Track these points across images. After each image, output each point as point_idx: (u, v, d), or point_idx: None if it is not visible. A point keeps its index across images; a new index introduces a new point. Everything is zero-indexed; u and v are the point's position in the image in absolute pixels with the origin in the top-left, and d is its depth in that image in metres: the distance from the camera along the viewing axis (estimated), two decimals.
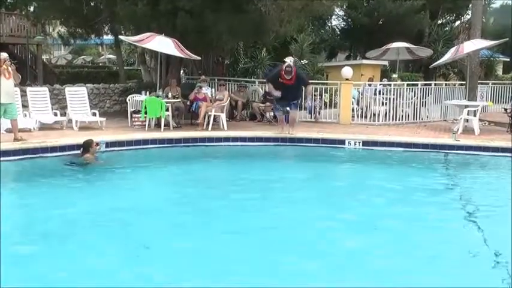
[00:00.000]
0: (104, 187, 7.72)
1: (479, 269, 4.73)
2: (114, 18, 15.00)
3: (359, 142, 11.05)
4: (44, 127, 11.77)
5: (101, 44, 31.11)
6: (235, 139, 11.26)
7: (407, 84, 15.50)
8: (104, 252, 4.93)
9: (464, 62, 15.77)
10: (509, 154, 10.15)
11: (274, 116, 13.45)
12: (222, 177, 8.78)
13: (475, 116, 12.72)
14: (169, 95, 12.98)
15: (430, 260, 4.90)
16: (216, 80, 16.03)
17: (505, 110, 13.83)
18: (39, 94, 12.67)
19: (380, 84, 15.91)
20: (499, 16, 35.65)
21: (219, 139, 11.20)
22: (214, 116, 12.42)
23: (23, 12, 20.42)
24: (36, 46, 22.17)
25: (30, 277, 4.36)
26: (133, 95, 13.93)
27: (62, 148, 9.43)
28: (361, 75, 20.05)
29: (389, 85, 15.05)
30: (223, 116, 12.64)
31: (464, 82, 15.46)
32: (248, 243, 5.32)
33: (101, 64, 36.64)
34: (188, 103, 13.43)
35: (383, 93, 14.92)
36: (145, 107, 12.16)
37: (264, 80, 15.33)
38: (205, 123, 12.43)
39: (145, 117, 12.21)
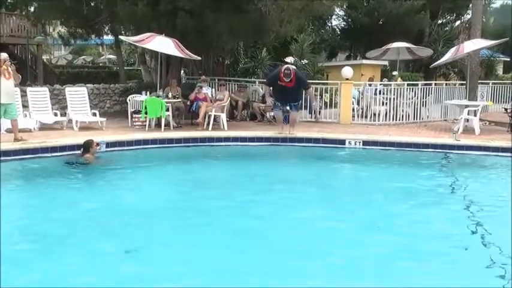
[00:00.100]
0: (104, 187, 7.72)
1: (478, 268, 4.70)
2: (114, 18, 15.01)
3: (359, 142, 11.04)
4: (44, 127, 11.78)
5: (101, 44, 31.10)
6: (235, 139, 11.25)
7: (408, 84, 15.48)
8: (104, 252, 4.92)
9: (465, 62, 15.77)
10: (509, 154, 10.14)
11: (274, 116, 13.44)
12: (222, 177, 8.77)
13: (475, 115, 12.72)
14: (170, 95, 12.99)
15: (431, 260, 4.88)
16: (217, 80, 16.03)
17: (506, 109, 13.81)
18: (40, 94, 12.68)
19: (380, 84, 15.91)
20: (499, 16, 35.65)
21: (219, 139, 11.19)
22: (215, 116, 12.42)
23: (23, 13, 20.45)
24: (36, 46, 22.19)
25: (30, 277, 4.36)
26: (134, 95, 13.94)
27: (62, 148, 9.43)
28: (362, 75, 20.06)
29: (390, 85, 15.03)
30: (223, 116, 12.64)
31: (464, 82, 15.46)
32: (248, 243, 5.30)
33: (101, 64, 36.64)
34: (188, 103, 13.43)
35: (383, 93, 14.91)
36: (146, 107, 12.16)
37: (264, 81, 15.35)
38: (205, 123, 12.43)
39: (145, 117, 12.22)
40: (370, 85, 16.03)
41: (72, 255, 4.85)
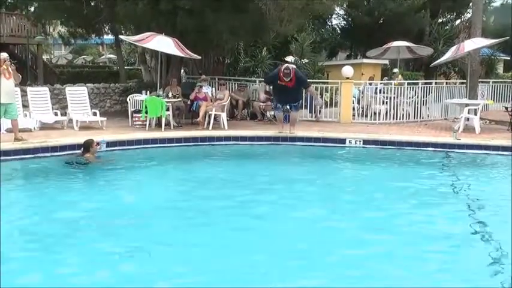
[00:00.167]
0: (104, 187, 7.71)
1: (478, 268, 4.69)
2: (115, 17, 15.01)
3: (360, 141, 11.03)
4: (44, 127, 11.78)
5: (101, 43, 31.22)
6: (235, 138, 11.25)
7: (408, 83, 15.47)
8: (104, 251, 4.92)
9: (465, 61, 15.75)
10: (510, 153, 10.14)
11: (275, 116, 13.44)
12: (222, 176, 8.74)
13: (475, 114, 12.71)
14: (170, 94, 12.99)
15: (432, 258, 4.88)
16: (217, 79, 16.01)
17: (506, 108, 13.81)
18: (40, 94, 12.68)
19: (381, 83, 15.89)
20: (500, 15, 35.61)
21: (219, 138, 11.20)
22: (215, 115, 12.42)
23: (24, 13, 20.48)
24: (36, 46, 22.20)
25: (30, 276, 4.36)
26: (134, 94, 13.94)
27: (63, 148, 9.43)
28: (362, 74, 20.06)
29: (390, 84, 15.02)
30: (223, 115, 12.63)
31: (465, 81, 15.45)
32: (248, 242, 5.29)
33: (101, 64, 36.66)
34: (189, 102, 13.43)
35: (383, 92, 14.90)
36: (146, 107, 12.16)
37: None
38: (205, 123, 12.43)
39: (145, 116, 12.22)
40: (370, 84, 16.03)
41: (72, 255, 4.84)
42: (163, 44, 12.39)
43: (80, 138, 9.58)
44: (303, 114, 14.44)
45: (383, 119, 14.55)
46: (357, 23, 25.59)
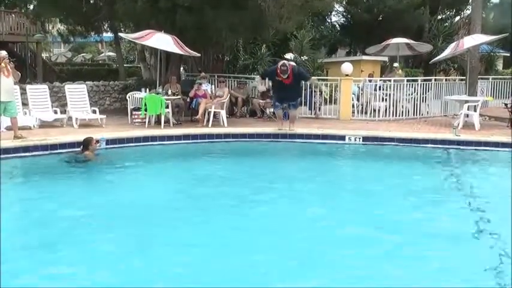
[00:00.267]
0: (104, 184, 7.73)
1: (478, 267, 4.65)
2: (114, 15, 14.99)
3: (359, 138, 11.04)
4: (44, 125, 11.78)
5: (101, 41, 31.21)
6: (235, 135, 11.26)
7: (408, 80, 15.46)
8: (104, 249, 4.92)
9: (465, 57, 15.74)
10: (509, 149, 10.14)
11: (274, 113, 13.44)
12: (222, 174, 8.73)
13: (475, 111, 12.71)
14: (169, 92, 12.98)
15: (432, 257, 4.85)
16: (216, 77, 16.00)
17: (505, 105, 13.81)
18: (39, 92, 12.68)
19: (380, 80, 15.89)
20: (499, 12, 35.55)
21: (219, 135, 11.20)
22: (214, 112, 12.41)
23: (23, 10, 20.47)
24: (35, 44, 22.18)
25: (30, 274, 4.36)
26: (133, 92, 13.93)
27: (62, 145, 9.44)
28: (361, 71, 20.06)
29: (389, 81, 15.01)
30: (223, 113, 12.63)
31: (464, 77, 15.43)
32: (248, 241, 5.26)
33: (100, 61, 36.69)
34: (188, 100, 13.42)
35: (383, 89, 14.89)
36: (145, 104, 12.16)
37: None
38: (205, 120, 12.43)
39: (145, 114, 12.21)
40: (370, 81, 16.02)
41: (70, 253, 4.84)
42: (163, 41, 12.38)
43: (80, 136, 9.58)
44: (303, 111, 14.44)
45: (382, 116, 14.54)
46: (356, 20, 25.58)
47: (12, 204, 6.51)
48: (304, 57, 20.94)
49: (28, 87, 12.80)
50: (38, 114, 11.95)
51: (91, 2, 16.21)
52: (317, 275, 4.44)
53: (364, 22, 24.53)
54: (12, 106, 9.93)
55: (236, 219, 6.00)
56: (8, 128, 10.41)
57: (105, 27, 19.45)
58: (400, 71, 17.02)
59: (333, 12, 27.29)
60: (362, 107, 15.20)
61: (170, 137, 10.80)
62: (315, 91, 14.75)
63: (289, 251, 4.96)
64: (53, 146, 9.36)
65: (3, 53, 9.94)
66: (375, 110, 14.72)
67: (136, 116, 12.68)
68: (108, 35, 23.71)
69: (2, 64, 9.70)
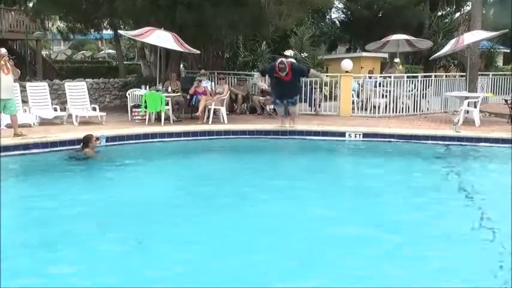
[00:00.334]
0: (104, 181, 7.73)
1: (479, 266, 4.66)
2: (113, 12, 14.97)
3: (359, 134, 11.03)
4: (44, 122, 11.79)
5: (101, 38, 31.21)
6: (235, 132, 11.25)
7: (408, 76, 15.45)
8: (104, 247, 4.91)
9: (465, 54, 15.73)
10: (509, 145, 10.14)
11: (274, 109, 13.45)
12: (222, 171, 8.75)
13: (475, 107, 12.70)
14: (169, 89, 12.98)
15: (432, 257, 4.83)
16: (216, 74, 16.01)
17: (506, 101, 13.81)
18: (39, 89, 12.69)
19: (380, 77, 15.88)
20: (499, 9, 35.45)
21: (219, 132, 11.20)
22: (214, 109, 12.41)
23: (22, 8, 20.44)
24: (35, 42, 22.17)
25: (31, 273, 4.36)
26: (133, 89, 13.92)
27: (62, 143, 9.43)
28: (361, 67, 20.03)
29: (390, 77, 15.00)
30: (223, 110, 12.63)
31: (464, 74, 15.42)
32: (247, 239, 5.24)
33: (100, 59, 36.64)
34: (188, 97, 13.42)
35: (383, 86, 14.88)
36: (145, 102, 12.15)
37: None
38: (205, 117, 12.43)
39: (145, 111, 12.21)
40: (370, 77, 16.00)
41: (69, 251, 4.83)
42: (163, 38, 12.38)
43: (80, 133, 9.58)
44: (303, 108, 14.44)
45: (382, 113, 14.53)
46: (356, 16, 25.53)
47: (11, 202, 6.51)
48: (304, 54, 20.94)
49: (28, 84, 12.81)
50: (38, 111, 11.95)
51: None
52: (317, 275, 4.41)
53: (364, 18, 24.49)
54: (12, 104, 9.93)
55: (236, 218, 5.96)
56: (8, 126, 10.41)
57: (104, 24, 19.43)
58: (400, 66, 17.00)
59: (333, 9, 27.26)
60: (362, 104, 15.19)
61: (170, 134, 10.80)
62: (315, 88, 14.75)
63: (289, 250, 4.92)
64: (53, 144, 9.35)
65: (3, 50, 9.93)
66: (375, 107, 14.72)
67: (136, 113, 12.68)
68: (107, 33, 23.69)
69: (2, 62, 9.69)
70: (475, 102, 12.80)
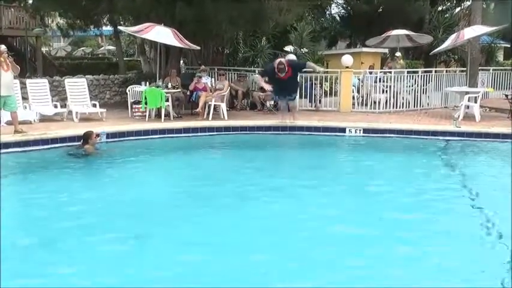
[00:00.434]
0: (104, 178, 7.73)
1: (479, 266, 4.64)
2: (113, 9, 14.95)
3: (360, 130, 11.04)
4: (44, 119, 11.77)
5: (100, 35, 31.14)
6: (235, 128, 11.26)
7: (408, 72, 15.43)
8: (103, 246, 4.90)
9: (465, 49, 15.71)
10: (510, 140, 10.13)
11: (275, 105, 13.45)
12: (222, 167, 8.74)
13: (475, 102, 12.69)
14: (169, 85, 12.96)
15: (432, 257, 4.82)
16: (216, 70, 15.98)
17: (506, 96, 13.79)
18: (39, 86, 12.67)
19: (380, 72, 15.85)
20: (500, 4, 35.34)
21: (219, 129, 11.20)
22: (215, 105, 12.40)
23: (22, 5, 20.40)
24: (35, 38, 22.16)
25: (30, 272, 4.36)
26: (133, 85, 13.90)
27: (63, 140, 9.45)
28: (361, 63, 19.98)
29: (390, 72, 14.98)
30: (223, 106, 12.62)
31: (465, 69, 15.41)
32: (247, 238, 5.23)
33: (100, 55, 36.63)
34: (188, 93, 13.41)
35: (383, 81, 14.86)
36: (146, 98, 12.15)
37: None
38: (205, 113, 12.42)
39: (145, 107, 12.20)
40: (370, 73, 15.98)
41: (71, 250, 4.84)
42: (163, 34, 12.36)
43: (80, 130, 9.57)
44: (303, 103, 14.44)
45: (383, 108, 14.51)
46: (356, 11, 25.44)
47: (11, 199, 6.51)
48: (304, 50, 20.90)
49: (28, 81, 12.80)
50: (38, 108, 11.94)
51: None
52: (317, 275, 4.40)
53: (364, 14, 24.39)
54: (12, 100, 9.92)
55: (236, 217, 5.94)
56: (9, 123, 10.41)
57: (104, 20, 19.43)
58: (401, 60, 16.97)
59: (333, 4, 27.19)
60: (362, 99, 15.17)
61: (170, 130, 10.81)
62: (315, 83, 14.73)
63: (289, 250, 4.91)
64: (53, 140, 9.37)
65: (2, 47, 9.91)
66: (375, 102, 14.71)
67: (136, 110, 12.68)
68: (107, 29, 23.68)
69: (1, 58, 9.68)
70: (476, 97, 12.79)
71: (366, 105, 14.84)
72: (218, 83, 13.90)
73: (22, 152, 8.88)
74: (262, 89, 14.42)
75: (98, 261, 4.57)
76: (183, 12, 12.89)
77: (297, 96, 12.11)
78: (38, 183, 7.28)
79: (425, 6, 24.28)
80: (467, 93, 12.99)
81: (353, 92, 14.92)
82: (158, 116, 12.19)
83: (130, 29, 13.53)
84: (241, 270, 4.49)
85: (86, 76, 15.67)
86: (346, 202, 6.56)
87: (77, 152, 8.69)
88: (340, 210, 6.17)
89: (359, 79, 15.63)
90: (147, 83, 13.50)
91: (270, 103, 13.98)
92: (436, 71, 16.05)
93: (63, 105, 12.67)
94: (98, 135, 9.19)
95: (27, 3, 20.55)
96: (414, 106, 14.88)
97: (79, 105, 12.46)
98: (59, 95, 14.31)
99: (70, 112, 12.17)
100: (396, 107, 14.62)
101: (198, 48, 14.36)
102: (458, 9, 26.93)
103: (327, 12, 28.24)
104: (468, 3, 24.90)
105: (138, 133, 10.49)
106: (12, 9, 21.27)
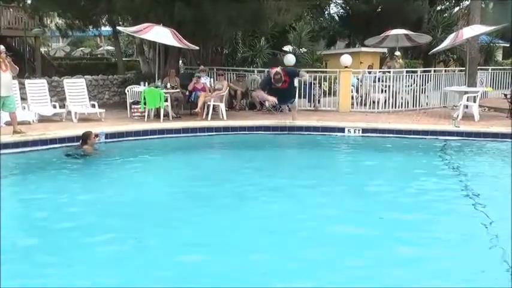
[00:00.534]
0: (103, 179, 7.73)
1: (479, 266, 4.65)
2: (112, 9, 14.94)
3: (359, 130, 11.04)
4: (43, 119, 11.76)
5: (99, 35, 31.12)
6: (234, 128, 11.25)
7: (407, 71, 15.43)
8: (103, 247, 4.91)
9: (464, 48, 15.72)
10: (509, 140, 10.14)
11: (273, 106, 13.43)
12: (221, 167, 8.74)
13: (474, 102, 12.70)
14: (168, 85, 12.95)
15: (433, 256, 4.82)
16: (215, 70, 15.97)
17: (505, 95, 13.82)
18: (38, 86, 12.66)
19: (379, 72, 15.86)
20: (498, 4, 35.39)
21: (218, 129, 11.20)
22: (214, 105, 12.40)
23: (21, 5, 20.40)
24: (34, 38, 22.15)
25: (30, 272, 4.36)
26: (132, 86, 13.89)
27: (62, 140, 9.44)
28: (360, 62, 19.98)
29: (389, 72, 14.98)
30: (222, 106, 12.62)
31: (463, 68, 15.41)
32: (247, 238, 5.24)
33: (99, 55, 36.61)
34: (187, 93, 13.40)
35: (382, 81, 14.86)
36: (145, 98, 12.14)
37: (263, 70, 15.37)
38: (204, 113, 12.41)
39: (144, 108, 12.19)
40: (369, 73, 15.98)
41: (71, 247, 4.84)
42: (161, 34, 12.35)
43: (79, 130, 9.57)
44: (302, 103, 14.43)
45: (382, 108, 14.51)
46: (355, 11, 25.43)
47: (10, 200, 6.50)
48: (303, 50, 20.90)
49: (27, 81, 12.79)
50: (37, 108, 11.93)
51: None
52: (317, 275, 4.40)
53: (363, 13, 24.38)
54: (10, 101, 9.90)
55: (235, 216, 5.94)
56: (7, 123, 10.39)
57: (103, 21, 19.40)
58: (400, 60, 16.97)
59: (332, 4, 27.19)
60: (361, 99, 15.16)
61: (169, 131, 10.80)
62: (314, 83, 14.72)
63: (288, 250, 4.91)
64: (52, 141, 9.36)
65: (1, 47, 9.89)
66: (374, 102, 14.70)
67: (135, 110, 12.67)
68: (106, 29, 23.67)
69: (0, 59, 9.67)
70: (474, 96, 12.79)
71: (365, 105, 14.84)
72: (217, 83, 13.90)
73: (21, 153, 8.87)
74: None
75: (97, 262, 4.57)
76: (181, 12, 12.89)
77: (296, 96, 12.05)
78: (36, 183, 7.28)
79: (424, 6, 24.28)
80: (466, 92, 12.99)
81: (352, 91, 14.92)
82: (157, 116, 12.18)
83: (129, 29, 13.51)
84: (241, 270, 4.49)
85: (85, 76, 15.63)
86: (345, 202, 6.56)
87: (75, 152, 8.69)
88: (340, 210, 6.17)
89: (358, 79, 15.63)
90: (146, 83, 13.49)
91: (268, 103, 13.95)
92: (435, 71, 16.05)
93: (62, 106, 12.65)
94: (96, 135, 9.19)
95: (26, 3, 20.58)
96: (413, 106, 14.88)
97: (78, 105, 12.45)
98: (57, 95, 14.29)
99: (69, 112, 12.16)
100: (395, 107, 14.62)
101: (197, 48, 14.34)
102: (457, 8, 26.97)
103: (326, 12, 28.24)
104: (467, 2, 24.90)
105: (137, 133, 10.48)
106: (11, 10, 21.25)
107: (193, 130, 11.02)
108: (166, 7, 13.07)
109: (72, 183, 7.36)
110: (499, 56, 30.56)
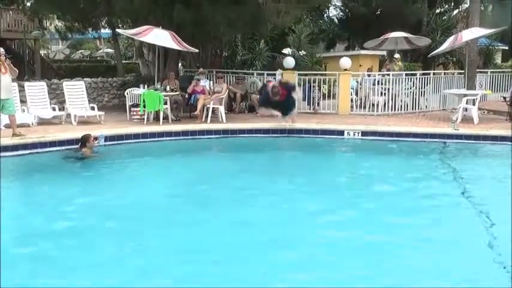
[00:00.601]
0: (103, 181, 7.73)
1: (478, 266, 4.66)
2: (111, 11, 14.96)
3: (358, 132, 11.04)
4: (42, 122, 11.77)
5: (99, 37, 31.06)
6: (234, 131, 11.25)
7: (406, 74, 15.44)
8: (103, 247, 4.93)
9: (463, 51, 15.72)
10: (508, 142, 10.15)
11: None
12: (221, 170, 8.73)
13: (474, 104, 12.70)
14: (168, 88, 12.95)
15: (432, 256, 4.84)
16: (214, 72, 15.98)
17: (504, 98, 13.81)
18: (37, 89, 12.66)
19: (379, 75, 15.86)
20: (498, 6, 35.42)
21: (218, 131, 11.19)
22: (213, 108, 12.40)
23: (20, 7, 20.40)
24: (33, 41, 22.15)
25: (31, 273, 4.36)
26: (132, 88, 13.89)
27: (61, 143, 9.44)
28: (360, 65, 20.01)
29: (388, 75, 14.99)
30: (221, 109, 12.62)
31: (463, 71, 15.42)
32: (247, 238, 5.25)
33: (98, 58, 36.58)
34: (186, 96, 13.40)
35: (382, 84, 14.87)
36: (144, 101, 12.13)
37: (262, 73, 15.39)
38: (203, 116, 12.41)
39: (143, 110, 12.18)
40: (368, 75, 15.99)
41: (71, 249, 4.84)
42: (161, 37, 12.35)
43: (78, 133, 9.57)
44: (301, 106, 14.42)
45: (381, 111, 14.51)
46: (354, 14, 25.48)
47: (10, 201, 6.49)
48: (303, 52, 20.91)
49: (26, 84, 12.79)
50: (36, 111, 11.93)
51: None
52: (317, 275, 4.41)
53: (362, 16, 24.43)
54: (10, 103, 9.91)
55: (235, 217, 5.95)
56: (7, 126, 10.39)
57: (102, 23, 19.39)
58: (400, 62, 16.99)
59: (331, 7, 27.21)
60: (361, 102, 15.18)
61: (169, 133, 10.80)
62: (313, 86, 14.73)
63: (288, 250, 4.91)
64: (52, 143, 9.36)
65: (1, 49, 9.91)
66: (373, 105, 14.71)
67: (134, 113, 12.66)
68: (106, 32, 23.64)
69: None
70: (474, 99, 12.79)
71: (365, 107, 14.85)
72: (216, 86, 13.90)
73: (20, 155, 8.87)
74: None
75: (97, 263, 4.57)
76: (181, 15, 12.89)
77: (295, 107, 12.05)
78: (35, 186, 7.29)
79: (423, 9, 24.34)
80: (465, 95, 13.00)
81: (351, 94, 14.92)
82: (156, 119, 12.18)
83: (129, 32, 13.52)
84: (241, 270, 4.50)
85: (84, 79, 15.65)
86: (344, 204, 6.55)
87: (74, 155, 8.69)
88: (339, 212, 6.16)
89: (357, 82, 15.64)
90: (146, 85, 13.50)
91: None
92: (434, 74, 16.06)
93: (62, 108, 12.66)
94: (95, 138, 9.18)
95: (25, 5, 20.57)
96: (412, 108, 14.89)
97: (77, 108, 12.44)
98: (57, 98, 14.30)
99: (68, 115, 12.15)
100: (394, 110, 14.62)
101: (197, 50, 14.35)
102: (456, 11, 26.99)
103: (325, 15, 28.25)
104: (466, 5, 24.89)
105: (136, 136, 10.48)
106: (11, 12, 21.25)
107: (193, 133, 11.01)
108: (166, 9, 13.07)
109: (71, 186, 7.35)
110: (498, 59, 30.54)
